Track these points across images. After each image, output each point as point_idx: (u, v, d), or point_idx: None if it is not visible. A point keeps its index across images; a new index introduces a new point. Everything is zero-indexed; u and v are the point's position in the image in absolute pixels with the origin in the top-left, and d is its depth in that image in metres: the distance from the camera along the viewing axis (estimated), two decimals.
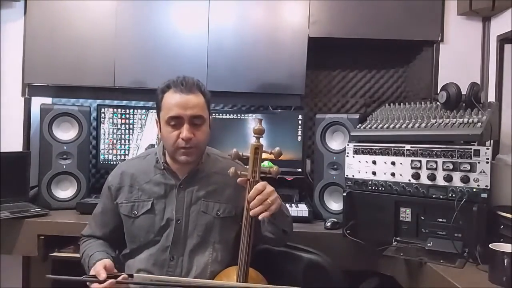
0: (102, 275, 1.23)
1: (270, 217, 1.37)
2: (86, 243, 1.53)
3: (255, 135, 1.34)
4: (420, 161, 1.59)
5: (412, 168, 1.60)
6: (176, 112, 1.38)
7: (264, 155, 1.34)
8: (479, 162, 1.47)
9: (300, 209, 1.96)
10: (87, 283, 1.27)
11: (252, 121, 2.19)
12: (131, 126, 2.25)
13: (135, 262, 1.46)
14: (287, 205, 1.99)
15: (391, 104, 1.91)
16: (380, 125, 1.74)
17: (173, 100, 1.39)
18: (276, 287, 1.26)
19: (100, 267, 1.28)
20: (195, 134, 1.40)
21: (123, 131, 2.25)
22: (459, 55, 2.13)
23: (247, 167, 1.33)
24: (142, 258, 1.45)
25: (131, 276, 1.24)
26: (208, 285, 1.34)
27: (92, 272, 1.28)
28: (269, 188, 1.32)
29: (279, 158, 1.39)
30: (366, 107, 2.45)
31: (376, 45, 2.30)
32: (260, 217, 1.28)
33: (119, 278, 1.23)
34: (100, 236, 1.54)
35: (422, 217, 1.63)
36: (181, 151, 1.40)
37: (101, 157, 2.24)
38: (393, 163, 1.65)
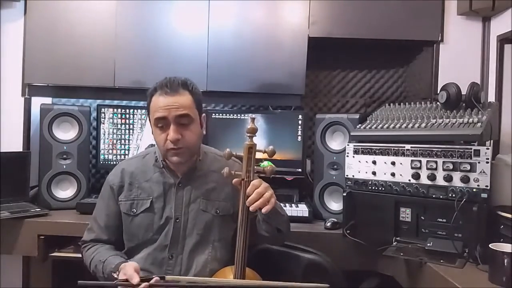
0: (135, 279, 1.21)
1: (264, 216, 1.37)
2: (92, 250, 1.49)
3: (248, 134, 1.34)
4: (420, 161, 1.59)
5: (412, 168, 1.60)
6: (161, 113, 1.38)
7: (259, 155, 1.33)
8: (479, 162, 1.46)
9: (300, 209, 1.96)
10: None
11: None
12: (131, 126, 2.25)
13: (133, 261, 1.45)
14: (287, 205, 2.00)
15: (391, 104, 1.91)
16: (380, 125, 1.74)
17: (158, 102, 1.39)
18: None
19: (131, 270, 1.25)
20: (183, 135, 1.39)
21: (123, 131, 2.25)
22: (459, 55, 2.13)
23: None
24: (141, 257, 1.45)
25: (162, 278, 1.23)
26: (234, 284, 1.32)
27: (122, 276, 1.26)
28: (265, 184, 1.32)
29: (278, 158, 1.40)
30: (366, 107, 2.45)
31: (376, 45, 2.30)
32: (264, 210, 1.27)
33: (152, 281, 1.21)
34: (106, 239, 1.51)
35: (422, 217, 1.63)
36: (171, 152, 1.41)
37: (101, 157, 2.24)
38: (393, 163, 1.65)
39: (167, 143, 1.39)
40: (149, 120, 1.47)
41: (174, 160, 1.42)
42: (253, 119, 1.35)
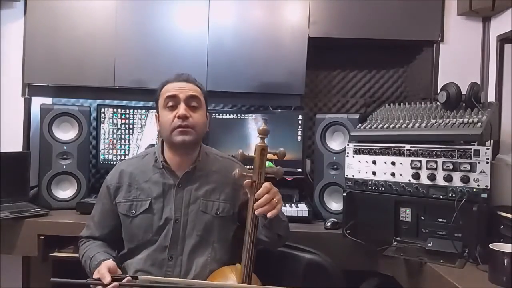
0: (107, 278, 1.22)
1: (265, 222, 1.37)
2: (86, 245, 1.52)
3: (260, 136, 1.33)
4: (420, 161, 1.58)
5: (412, 168, 1.60)
6: (173, 92, 1.43)
7: (268, 156, 1.33)
8: (479, 162, 1.46)
9: (300, 209, 1.96)
10: (91, 286, 1.26)
11: (252, 121, 2.18)
12: (131, 126, 2.25)
13: (133, 262, 1.45)
14: (287, 205, 2.00)
15: (391, 104, 1.91)
16: (380, 125, 1.74)
17: (170, 86, 1.46)
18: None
19: (104, 269, 1.26)
20: (192, 116, 1.43)
21: (123, 131, 2.25)
22: (459, 55, 2.13)
23: (248, 167, 1.33)
24: (140, 258, 1.44)
25: (135, 278, 1.24)
26: (212, 286, 1.33)
27: (96, 275, 1.27)
28: (275, 188, 1.33)
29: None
30: (366, 107, 2.45)
31: (376, 45, 2.30)
32: (269, 215, 1.28)
33: (124, 281, 1.22)
34: (99, 237, 1.53)
35: (422, 217, 1.63)
36: (178, 131, 1.41)
37: (101, 157, 2.24)
38: (393, 163, 1.65)
39: (175, 120, 1.41)
40: (157, 109, 1.50)
41: (180, 139, 1.42)
42: (265, 121, 1.35)
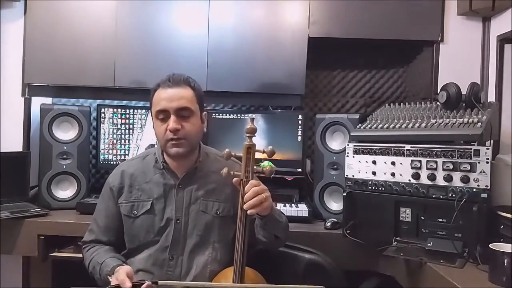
0: (127, 284, 1.21)
1: (261, 222, 1.37)
2: (92, 250, 1.49)
3: (247, 135, 1.35)
4: (420, 161, 1.59)
5: (412, 168, 1.60)
6: (162, 105, 1.41)
7: (258, 155, 1.34)
8: (479, 162, 1.46)
9: (300, 209, 1.96)
10: None
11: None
12: (131, 126, 2.25)
13: (134, 262, 1.45)
14: (287, 205, 2.00)
15: (391, 104, 1.91)
16: (380, 125, 1.74)
17: (160, 95, 1.42)
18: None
19: (123, 275, 1.24)
20: (183, 126, 1.41)
21: (123, 131, 2.25)
22: (459, 55, 2.13)
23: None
24: (141, 258, 1.45)
25: (155, 283, 1.23)
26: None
27: (114, 281, 1.26)
28: (263, 186, 1.33)
29: (278, 158, 1.40)
30: (366, 107, 2.45)
31: (376, 45, 2.30)
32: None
33: (143, 286, 1.21)
34: (105, 241, 1.52)
35: (422, 217, 1.63)
36: (171, 143, 1.41)
37: (101, 157, 2.24)
38: (393, 163, 1.65)
39: (167, 133, 1.41)
40: (151, 114, 1.49)
41: (173, 151, 1.42)
42: (252, 119, 1.35)
